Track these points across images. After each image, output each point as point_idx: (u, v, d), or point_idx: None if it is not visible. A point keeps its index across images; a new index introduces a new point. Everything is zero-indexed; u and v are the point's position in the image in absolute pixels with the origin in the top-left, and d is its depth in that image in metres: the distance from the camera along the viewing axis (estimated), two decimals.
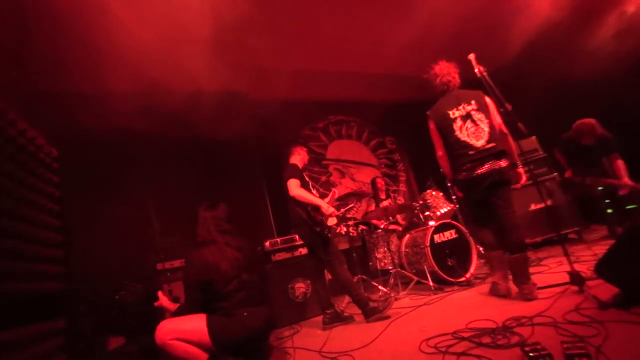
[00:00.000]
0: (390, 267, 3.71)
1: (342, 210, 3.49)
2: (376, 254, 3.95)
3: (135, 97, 3.42)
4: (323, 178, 5.71)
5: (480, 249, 3.53)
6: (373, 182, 4.70)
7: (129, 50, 3.06)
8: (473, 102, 2.34)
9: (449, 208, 3.75)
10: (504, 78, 2.86)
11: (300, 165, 3.01)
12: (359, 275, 3.75)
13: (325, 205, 2.72)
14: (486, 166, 2.23)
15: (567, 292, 1.97)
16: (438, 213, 3.69)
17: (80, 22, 2.94)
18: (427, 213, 3.76)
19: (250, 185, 4.89)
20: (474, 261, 3.38)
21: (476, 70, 2.33)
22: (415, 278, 3.47)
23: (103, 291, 2.76)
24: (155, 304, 2.07)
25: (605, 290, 1.68)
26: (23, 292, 1.59)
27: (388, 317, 2.50)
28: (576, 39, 4.72)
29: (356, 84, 5.60)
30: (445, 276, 3.18)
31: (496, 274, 2.41)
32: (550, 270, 2.75)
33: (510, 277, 2.27)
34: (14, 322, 1.47)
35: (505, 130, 2.36)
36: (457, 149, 2.33)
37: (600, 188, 3.50)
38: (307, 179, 2.97)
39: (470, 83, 2.47)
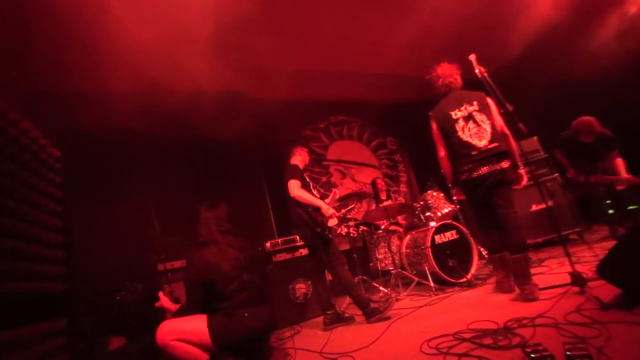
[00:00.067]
0: (391, 268, 3.70)
1: (343, 211, 3.48)
2: (377, 255, 3.94)
3: (136, 97, 3.42)
4: (324, 179, 5.71)
5: (483, 251, 3.53)
6: (373, 183, 4.69)
7: (129, 50, 3.05)
8: (475, 103, 2.35)
9: (450, 209, 3.74)
10: (504, 78, 2.86)
11: (301, 166, 3.01)
12: (360, 276, 3.75)
13: (326, 206, 2.71)
14: (487, 167, 2.23)
15: (569, 293, 1.97)
16: (439, 214, 3.69)
17: (80, 22, 2.94)
18: (428, 214, 3.75)
19: (251, 185, 4.89)
20: (475, 262, 3.37)
21: (477, 70, 2.32)
22: (416, 279, 3.46)
23: (103, 291, 2.76)
24: (157, 304, 2.08)
25: (606, 291, 1.68)
26: (24, 292, 1.59)
27: (389, 318, 2.50)
28: (576, 39, 4.72)
29: (357, 84, 5.59)
30: (446, 277, 3.17)
31: (500, 273, 2.44)
32: (551, 271, 2.75)
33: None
34: (14, 322, 1.48)
35: (506, 131, 2.36)
36: (460, 149, 2.33)
37: (602, 187, 3.49)
38: (307, 179, 2.96)
39: (471, 84, 2.47)
